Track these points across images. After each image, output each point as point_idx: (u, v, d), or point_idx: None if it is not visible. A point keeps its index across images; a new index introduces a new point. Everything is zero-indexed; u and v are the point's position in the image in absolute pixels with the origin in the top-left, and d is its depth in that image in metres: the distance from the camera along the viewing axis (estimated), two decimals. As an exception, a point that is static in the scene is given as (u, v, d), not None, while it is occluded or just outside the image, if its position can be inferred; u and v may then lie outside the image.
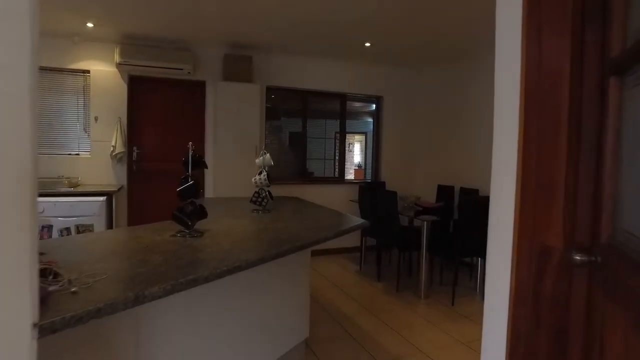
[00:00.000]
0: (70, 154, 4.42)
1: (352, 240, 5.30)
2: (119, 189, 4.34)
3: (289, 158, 5.38)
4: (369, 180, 5.81)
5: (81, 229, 3.82)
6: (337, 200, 5.38)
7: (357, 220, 2.63)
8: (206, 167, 2.21)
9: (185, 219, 1.95)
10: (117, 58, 4.28)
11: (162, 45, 4.54)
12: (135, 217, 4.71)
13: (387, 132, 5.74)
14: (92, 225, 3.85)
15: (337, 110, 5.59)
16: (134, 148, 4.68)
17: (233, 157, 4.54)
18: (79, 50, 4.36)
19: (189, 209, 1.97)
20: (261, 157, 2.89)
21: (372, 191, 4.54)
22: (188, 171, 2.08)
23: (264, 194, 2.85)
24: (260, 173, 2.85)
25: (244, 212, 2.73)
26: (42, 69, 4.30)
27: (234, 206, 3.05)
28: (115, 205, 4.05)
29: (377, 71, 5.60)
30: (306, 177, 5.44)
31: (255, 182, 2.83)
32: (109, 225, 4.01)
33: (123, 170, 4.55)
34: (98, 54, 4.41)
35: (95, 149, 4.45)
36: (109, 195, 3.99)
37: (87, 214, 3.83)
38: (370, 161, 5.88)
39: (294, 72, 5.14)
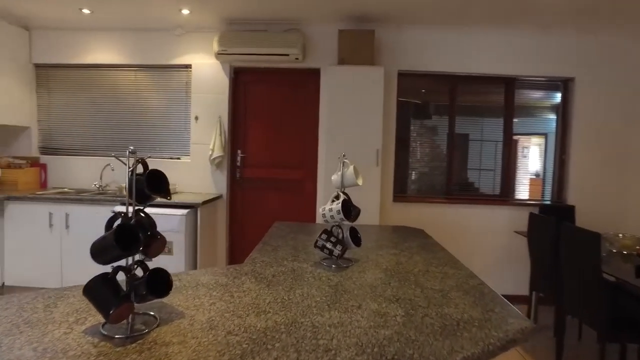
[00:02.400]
0: (171, 158, 3.99)
1: (512, 284, 3.62)
2: (212, 200, 3.69)
3: (428, 168, 3.98)
4: (548, 202, 3.94)
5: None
6: (496, 229, 3.75)
7: (518, 316, 1.20)
8: (168, 198, 1.14)
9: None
10: (215, 47, 3.64)
11: (266, 28, 3.74)
12: (236, 233, 4.04)
13: (581, 132, 3.79)
14: (171, 243, 3.25)
15: (501, 102, 3.93)
16: (238, 152, 4.00)
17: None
18: (181, 44, 3.89)
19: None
20: (338, 173, 1.70)
21: (550, 224, 2.81)
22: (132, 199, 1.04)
23: (339, 235, 1.65)
24: (335, 199, 1.66)
25: (302, 264, 1.58)
26: (146, 67, 3.97)
27: (300, 244, 1.92)
28: (200, 220, 3.38)
29: (565, 41, 3.73)
30: (452, 194, 3.94)
31: (324, 215, 1.64)
32: (192, 245, 3.36)
33: (222, 177, 3.91)
34: (199, 45, 3.87)
35: (195, 153, 3.92)
36: (192, 208, 3.34)
37: (165, 230, 3.24)
38: (551, 174, 4.01)
39: (432, 49, 3.74)
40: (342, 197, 1.66)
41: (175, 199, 3.42)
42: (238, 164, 4.03)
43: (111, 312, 0.93)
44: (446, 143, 3.91)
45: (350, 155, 3.34)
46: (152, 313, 1.10)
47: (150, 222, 1.11)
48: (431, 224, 3.77)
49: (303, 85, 3.89)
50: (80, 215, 3.39)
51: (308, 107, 3.89)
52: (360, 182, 1.70)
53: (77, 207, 3.40)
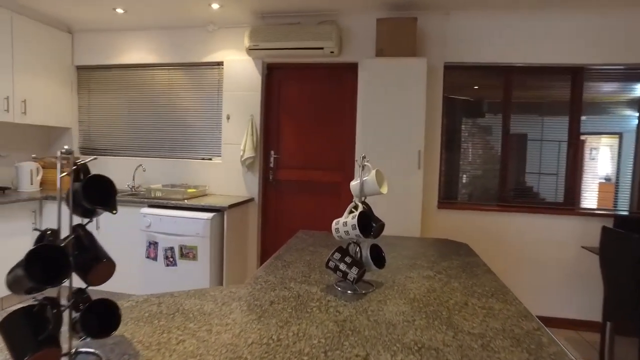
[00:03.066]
0: (203, 159, 3.88)
1: (579, 308, 3.14)
2: (242, 203, 3.51)
3: (480, 171, 3.55)
4: (624, 213, 3.37)
5: (184, 250, 3.12)
6: (558, 243, 3.26)
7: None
8: (113, 212, 0.91)
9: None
10: (246, 42, 3.47)
11: (299, 21, 3.51)
12: (269, 239, 3.84)
13: (669, 131, 3.19)
14: (195, 248, 3.10)
15: (565, 96, 3.41)
16: (271, 152, 3.81)
17: (384, 171, 3.10)
18: (213, 41, 3.76)
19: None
20: (358, 180, 1.41)
21: (632, 241, 2.32)
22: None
23: (356, 255, 1.37)
24: (354, 210, 1.37)
25: (312, 287, 1.31)
26: (179, 65, 3.88)
27: (317, 260, 1.65)
28: (226, 225, 3.21)
29: (652, 22, 3.16)
30: (507, 200, 3.47)
31: (337, 230, 1.36)
32: (218, 251, 3.19)
33: (254, 179, 3.73)
34: (230, 41, 3.72)
35: (227, 153, 3.77)
36: (218, 212, 3.18)
37: (190, 234, 3.10)
38: (628, 180, 3.42)
39: (484, 37, 3.31)
40: (360, 208, 1.37)
41: (204, 201, 3.28)
42: (271, 165, 3.83)
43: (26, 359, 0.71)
44: (500, 143, 3.46)
45: (389, 158, 3.02)
46: (96, 352, 0.89)
47: (90, 241, 0.89)
48: (481, 234, 3.35)
49: (340, 81, 3.61)
50: (110, 217, 3.35)
51: (345, 105, 3.61)
52: (384, 190, 1.40)
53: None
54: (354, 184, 1.43)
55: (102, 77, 4.08)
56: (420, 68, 2.99)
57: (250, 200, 3.70)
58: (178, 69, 3.89)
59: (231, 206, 3.25)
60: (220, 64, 3.76)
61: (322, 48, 3.32)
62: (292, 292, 1.31)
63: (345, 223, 1.32)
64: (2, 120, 3.33)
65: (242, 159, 3.63)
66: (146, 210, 3.19)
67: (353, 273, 1.29)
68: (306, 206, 3.76)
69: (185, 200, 3.27)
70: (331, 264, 1.33)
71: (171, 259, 3.14)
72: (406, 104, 3.02)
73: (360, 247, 1.38)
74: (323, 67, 3.61)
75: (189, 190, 3.54)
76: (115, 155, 4.05)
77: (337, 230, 1.35)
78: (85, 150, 4.15)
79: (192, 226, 3.08)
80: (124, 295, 3.46)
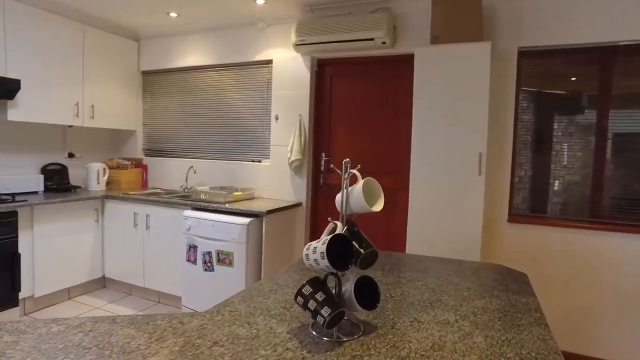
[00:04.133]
0: (253, 161, 3.77)
1: None
2: (287, 208, 3.31)
3: (566, 179, 2.88)
4: None
5: (221, 256, 3.01)
6: (672, 277, 2.52)
7: None
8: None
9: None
10: (293, 37, 3.27)
11: (350, 12, 3.21)
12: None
13: None
14: (231, 254, 2.97)
15: (691, 82, 2.60)
16: (322, 155, 3.56)
17: (440, 177, 2.65)
18: (263, 38, 3.63)
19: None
20: (343, 192, 1.10)
21: None
22: None
23: (338, 289, 1.06)
24: (332, 232, 1.06)
25: (281, 326, 1.03)
26: (231, 65, 3.82)
27: None
28: (265, 231, 3.03)
29: None
30: (602, 216, 2.76)
31: (307, 257, 1.06)
32: (256, 258, 3.03)
33: (302, 183, 3.51)
34: (279, 38, 3.55)
35: (275, 155, 3.61)
36: (257, 217, 3.01)
37: (226, 239, 2.98)
38: None
39: (570, 13, 2.67)
40: (339, 229, 1.05)
41: (247, 205, 3.15)
42: (322, 168, 3.58)
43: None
44: (593, 145, 2.77)
45: (444, 162, 2.58)
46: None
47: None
48: (562, 257, 2.71)
49: (395, 75, 3.23)
50: (158, 217, 3.39)
51: (401, 102, 3.21)
52: (377, 207, 1.06)
53: (155, 208, 3.40)
54: (339, 197, 1.11)
55: (163, 81, 4.21)
56: (483, 55, 2.50)
57: (298, 205, 3.49)
58: (230, 70, 3.84)
59: (271, 211, 3.06)
60: (269, 62, 3.62)
61: (372, 39, 2.99)
62: (250, 331, 1.04)
63: (315, 249, 1.01)
64: (71, 124, 3.57)
65: (289, 162, 3.44)
66: (188, 212, 3.16)
67: (324, 315, 0.98)
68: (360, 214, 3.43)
69: (227, 204, 3.16)
70: (299, 299, 1.03)
71: (209, 264, 3.06)
72: (465, 99, 2.55)
73: (339, 280, 1.06)
74: (375, 60, 3.26)
75: (235, 194, 3.45)
76: (172, 157, 4.14)
77: (307, 257, 1.05)
78: (148, 152, 4.31)
79: (229, 231, 2.96)
80: (169, 295, 3.49)
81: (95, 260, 3.62)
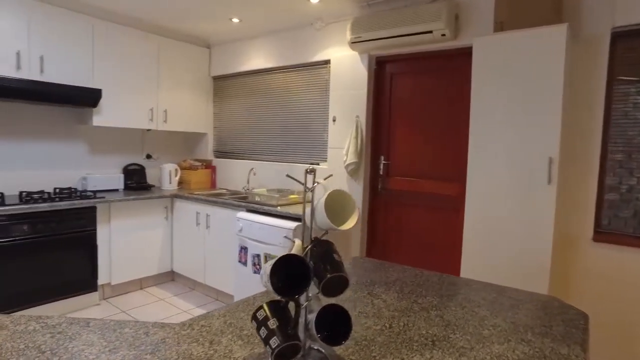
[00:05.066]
0: (312, 164, 3.70)
1: None
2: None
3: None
4: None
5: (268, 259, 2.98)
6: None
7: None
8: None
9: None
10: (348, 35, 3.12)
11: (407, 4, 2.95)
12: (375, 257, 3.42)
13: None
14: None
15: None
16: (381, 158, 3.36)
17: (501, 185, 2.30)
18: (321, 38, 3.54)
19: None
20: (304, 205, 0.96)
21: None
22: None
23: (301, 317, 0.92)
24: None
25: (241, 351, 0.93)
26: (290, 67, 3.80)
27: None
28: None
29: None
30: None
31: (262, 278, 0.93)
32: (303, 262, 2.95)
33: (358, 188, 3.35)
34: (337, 36, 3.43)
35: (332, 158, 3.50)
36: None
37: (273, 243, 2.95)
38: None
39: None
40: (296, 248, 0.90)
41: (296, 209, 3.10)
42: (380, 172, 3.38)
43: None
44: None
45: (505, 168, 2.24)
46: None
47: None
48: (670, 289, 2.16)
49: (457, 71, 2.90)
50: (216, 217, 3.50)
51: (466, 101, 2.88)
52: (346, 225, 0.90)
53: (214, 208, 3.52)
54: (308, 211, 0.96)
55: (230, 85, 4.36)
56: (557, 40, 2.09)
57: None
58: (290, 71, 3.83)
59: (319, 216, 2.96)
60: (327, 62, 3.52)
61: (430, 32, 2.72)
62: (206, 352, 0.95)
63: (265, 269, 0.88)
64: (147, 128, 3.88)
65: (345, 165, 3.30)
66: (241, 214, 3.20)
67: (272, 346, 0.84)
68: (419, 222, 3.16)
69: (278, 207, 3.14)
70: (253, 323, 0.91)
71: (257, 266, 3.06)
72: (532, 94, 2.16)
73: (298, 307, 0.91)
74: (436, 55, 2.97)
75: (291, 196, 3.42)
76: (237, 158, 4.27)
77: (261, 277, 0.92)
78: (218, 154, 4.51)
79: (276, 235, 2.92)
80: (225, 294, 3.59)
81: (165, 255, 3.88)
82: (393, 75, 3.26)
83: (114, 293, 3.56)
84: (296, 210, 3.06)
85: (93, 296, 3.31)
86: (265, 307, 0.91)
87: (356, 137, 3.26)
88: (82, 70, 3.36)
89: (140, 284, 3.78)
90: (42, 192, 3.21)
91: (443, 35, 2.70)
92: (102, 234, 3.36)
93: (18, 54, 3.00)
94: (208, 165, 4.48)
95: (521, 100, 2.20)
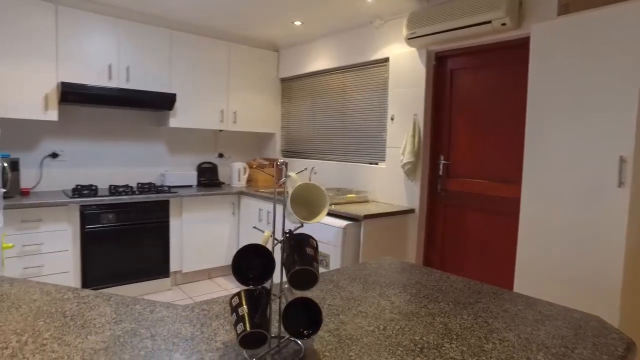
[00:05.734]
0: (371, 163, 3.66)
1: None
2: (391, 214, 3.11)
3: None
4: None
5: (320, 257, 3.02)
6: None
7: None
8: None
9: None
10: (404, 31, 3.03)
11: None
12: (434, 261, 3.29)
13: None
14: (327, 257, 2.96)
15: None
16: (440, 158, 3.22)
17: (561, 188, 2.06)
18: (380, 36, 3.48)
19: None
20: (275, 199, 0.98)
21: None
22: None
23: (267, 306, 0.94)
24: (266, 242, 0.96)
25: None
26: (350, 67, 3.80)
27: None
28: (363, 236, 2.91)
29: None
30: None
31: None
32: (352, 262, 2.93)
33: (415, 188, 3.24)
34: (395, 33, 3.34)
35: (390, 158, 3.43)
36: (355, 221, 2.91)
37: (324, 241, 2.98)
38: None
39: None
40: (265, 239, 0.92)
41: (357, 209, 3.09)
42: (440, 173, 3.23)
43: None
44: None
45: (565, 169, 2.00)
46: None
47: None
48: None
49: (523, 63, 2.65)
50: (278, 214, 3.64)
51: (522, 95, 2.62)
52: (318, 217, 0.90)
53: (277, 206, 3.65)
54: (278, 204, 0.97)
55: (297, 86, 4.49)
56: (636, 18, 1.81)
57: (410, 211, 3.23)
58: (351, 71, 3.83)
59: (370, 216, 2.92)
60: (386, 60, 3.45)
61: (488, 22, 2.52)
62: (193, 332, 1.01)
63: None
64: (219, 129, 4.17)
65: (402, 164, 3.21)
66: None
67: (237, 331, 0.87)
68: (480, 226, 2.96)
69: (332, 206, 3.16)
70: (229, 308, 0.95)
71: (309, 263, 3.11)
72: (600, 85, 1.89)
73: (268, 296, 0.92)
74: (497, 47, 2.74)
75: (349, 196, 3.43)
76: (302, 158, 4.38)
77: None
78: (285, 153, 4.67)
79: (326, 233, 2.95)
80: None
81: (232, 248, 4.13)
82: (453, 71, 3.09)
83: (184, 280, 3.89)
84: (349, 209, 3.05)
85: (165, 282, 3.66)
86: (242, 294, 0.94)
87: (413, 136, 3.16)
88: (161, 77, 3.73)
89: (208, 273, 4.08)
90: (126, 186, 3.63)
91: (503, 24, 2.49)
92: (175, 225, 3.69)
93: (110, 66, 3.43)
94: (275, 164, 4.66)
95: (588, 91, 1.95)
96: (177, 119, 3.87)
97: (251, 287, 0.91)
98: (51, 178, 3.52)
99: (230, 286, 3.91)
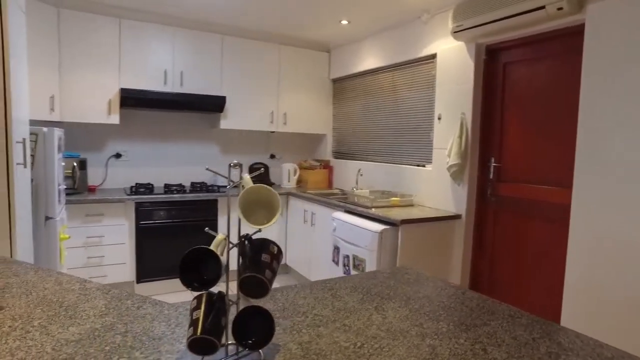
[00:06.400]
0: (418, 165, 3.49)
1: None
2: (433, 219, 2.93)
3: None
4: None
5: (356, 262, 2.94)
6: None
7: None
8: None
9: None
10: (450, 24, 2.83)
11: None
12: (482, 272, 3.04)
13: None
14: (364, 262, 2.86)
15: None
16: (491, 160, 2.97)
17: (620, 195, 1.78)
18: (428, 31, 3.29)
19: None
20: (229, 200, 0.96)
21: None
22: None
23: (225, 310, 0.92)
24: (217, 244, 0.93)
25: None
26: (397, 65, 3.66)
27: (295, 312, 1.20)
28: (401, 241, 2.76)
29: None
30: None
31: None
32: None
33: (462, 192, 3.02)
34: (443, 28, 3.13)
35: (437, 160, 3.24)
36: (393, 225, 2.78)
37: (361, 245, 2.88)
38: None
39: None
40: (214, 242, 0.89)
41: (398, 213, 2.97)
42: (491, 176, 2.98)
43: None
44: None
45: (626, 174, 1.72)
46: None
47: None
48: None
49: (576, 53, 2.33)
50: (320, 216, 3.61)
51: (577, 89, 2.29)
52: (262, 225, 0.85)
53: (319, 207, 3.63)
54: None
55: (347, 87, 4.43)
56: None
57: (455, 217, 3.01)
58: (398, 70, 3.68)
59: (408, 221, 2.77)
60: (434, 56, 3.26)
61: (542, 7, 2.25)
62: (162, 333, 1.02)
63: (187, 262, 0.89)
64: (266, 130, 4.26)
65: (447, 167, 3.01)
66: (336, 214, 3.23)
67: (187, 335, 0.86)
68: (536, 235, 2.67)
69: (373, 209, 3.06)
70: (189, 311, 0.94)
71: (347, 267, 3.04)
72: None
73: (223, 302, 0.89)
74: (554, 36, 2.44)
75: (393, 199, 3.30)
76: (351, 159, 4.31)
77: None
78: (336, 154, 4.63)
79: (363, 237, 2.86)
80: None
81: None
82: (506, 65, 2.82)
83: (232, 277, 4.01)
84: (391, 213, 2.93)
85: (214, 277, 3.80)
86: (202, 298, 0.93)
87: (460, 136, 2.94)
88: (212, 81, 3.90)
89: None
90: (180, 185, 3.85)
91: (559, 9, 2.21)
92: (223, 223, 3.83)
93: (165, 72, 3.67)
94: (326, 165, 4.65)
95: (655, 83, 1.65)
96: (228, 121, 4.01)
97: (204, 291, 0.89)
98: (115, 176, 3.84)
99: (275, 286, 3.95)
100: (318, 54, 4.51)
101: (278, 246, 0.99)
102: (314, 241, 3.72)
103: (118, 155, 3.83)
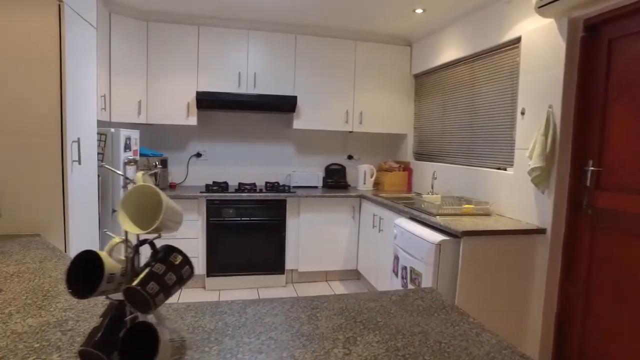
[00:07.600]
0: (499, 168, 3.00)
1: None
2: (507, 232, 2.47)
3: None
4: None
5: (413, 275, 2.64)
6: None
7: None
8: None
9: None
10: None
11: None
12: (573, 297, 2.49)
13: None
14: (420, 276, 2.54)
15: None
16: (588, 163, 2.39)
17: None
18: (511, 13, 2.80)
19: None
20: (123, 199, 0.87)
21: None
22: None
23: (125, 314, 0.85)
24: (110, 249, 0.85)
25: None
26: (477, 55, 3.21)
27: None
28: (463, 255, 2.38)
29: None
30: None
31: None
32: (448, 286, 2.44)
33: (547, 202, 2.49)
34: (527, 5, 2.61)
35: (520, 162, 2.74)
36: (454, 237, 2.42)
37: (418, 257, 2.57)
38: None
39: None
40: (108, 244, 0.80)
41: (469, 223, 2.60)
42: (587, 183, 2.40)
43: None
44: None
45: None
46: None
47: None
48: None
49: None
50: (388, 221, 3.35)
51: None
52: (144, 229, 0.74)
53: (387, 212, 3.37)
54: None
55: (428, 83, 4.05)
56: None
57: (539, 232, 2.50)
58: (478, 60, 3.21)
59: (472, 233, 2.38)
60: (518, 40, 2.75)
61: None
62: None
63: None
64: (341, 130, 4.13)
65: (528, 170, 2.52)
66: (399, 220, 2.96)
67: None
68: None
69: (438, 217, 2.71)
70: (93, 324, 0.87)
71: (404, 280, 2.75)
72: None
73: (118, 313, 0.80)
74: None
75: (465, 207, 2.90)
76: (429, 161, 3.93)
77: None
78: (417, 156, 4.28)
79: (420, 248, 2.55)
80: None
81: (350, 253, 4.02)
82: (612, 41, 2.23)
83: (300, 279, 3.99)
84: (457, 223, 2.55)
85: (280, 278, 3.83)
86: (109, 309, 0.86)
87: (544, 134, 2.43)
88: (285, 81, 3.92)
89: (325, 276, 4.08)
90: (252, 184, 3.96)
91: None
92: (292, 224, 3.82)
93: (239, 74, 3.80)
94: (406, 167, 4.33)
95: None
96: (300, 121, 4.00)
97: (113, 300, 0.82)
98: (196, 174, 4.13)
99: (342, 290, 3.81)
100: (399, 49, 4.23)
101: (185, 256, 0.88)
102: (380, 248, 3.47)
103: (199, 155, 4.11)
